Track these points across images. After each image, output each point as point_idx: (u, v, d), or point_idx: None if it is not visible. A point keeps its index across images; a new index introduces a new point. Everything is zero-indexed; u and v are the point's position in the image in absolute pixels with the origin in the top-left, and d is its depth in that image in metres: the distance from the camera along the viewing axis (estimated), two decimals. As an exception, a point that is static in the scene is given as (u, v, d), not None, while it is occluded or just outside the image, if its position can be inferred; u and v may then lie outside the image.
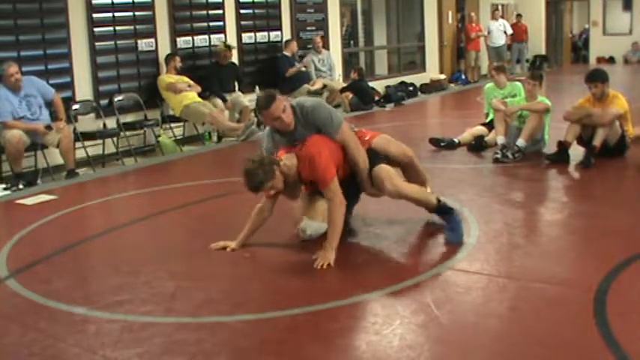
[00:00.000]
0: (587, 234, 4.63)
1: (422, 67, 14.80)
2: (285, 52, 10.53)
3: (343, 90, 10.98)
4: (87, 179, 7.08)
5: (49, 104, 7.15)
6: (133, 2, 8.53)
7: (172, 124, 8.94)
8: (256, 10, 10.37)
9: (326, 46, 11.57)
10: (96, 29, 8.11)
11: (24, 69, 7.03)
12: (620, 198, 5.57)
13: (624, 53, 19.29)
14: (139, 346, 3.11)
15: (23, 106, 6.88)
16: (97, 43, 8.13)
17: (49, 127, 6.93)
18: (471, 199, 5.36)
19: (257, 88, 9.97)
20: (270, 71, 10.38)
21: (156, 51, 8.84)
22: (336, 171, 4.24)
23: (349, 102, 10.97)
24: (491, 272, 3.90)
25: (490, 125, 7.38)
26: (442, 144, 7.47)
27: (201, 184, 6.58)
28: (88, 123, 8.02)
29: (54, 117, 7.15)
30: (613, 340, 2.96)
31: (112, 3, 8.28)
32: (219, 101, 9.08)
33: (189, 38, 9.32)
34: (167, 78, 8.68)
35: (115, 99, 8.29)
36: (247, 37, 10.24)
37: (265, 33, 10.54)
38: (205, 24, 9.56)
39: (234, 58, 9.91)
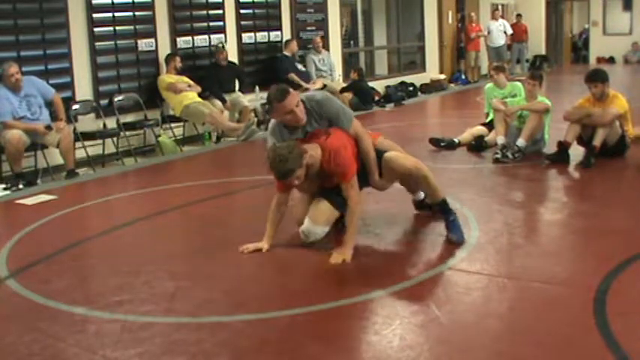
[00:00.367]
0: (587, 234, 4.63)
1: (422, 67, 14.81)
2: (285, 52, 10.53)
3: (343, 90, 10.98)
4: (87, 179, 7.09)
5: (49, 104, 7.14)
6: (133, 2, 8.53)
7: (172, 124, 8.94)
8: (256, 10, 10.37)
9: (326, 46, 11.57)
10: (96, 29, 8.11)
11: (24, 69, 7.03)
12: (620, 198, 5.58)
13: (624, 53, 19.29)
14: (139, 346, 3.11)
15: (23, 106, 6.87)
16: (97, 43, 8.13)
17: (49, 127, 6.93)
18: (471, 199, 5.36)
19: (257, 88, 9.96)
20: (270, 71, 10.38)
21: (156, 51, 8.84)
22: None
23: (349, 102, 10.98)
24: (491, 272, 3.90)
25: (490, 125, 7.38)
26: (442, 144, 7.47)
27: (201, 184, 6.58)
28: (88, 123, 8.02)
29: (54, 117, 7.15)
30: (613, 340, 2.96)
31: (112, 3, 8.28)
32: (218, 102, 9.08)
33: (189, 38, 9.32)
34: (167, 78, 8.68)
35: (115, 99, 8.29)
36: (247, 37, 10.24)
37: (265, 33, 10.54)
38: (205, 24, 9.56)
39: (234, 58, 9.92)
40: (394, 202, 5.09)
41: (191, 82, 8.83)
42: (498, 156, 6.63)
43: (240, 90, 9.58)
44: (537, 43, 18.76)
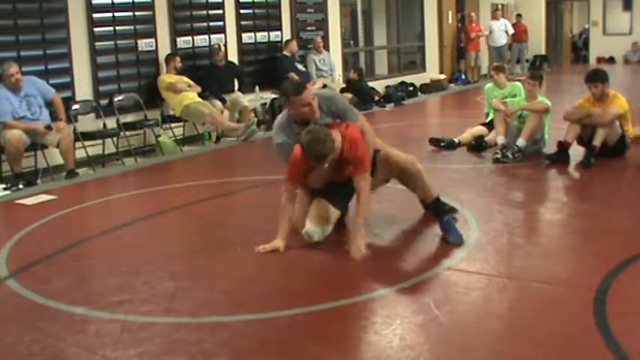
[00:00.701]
0: (587, 234, 4.63)
1: (422, 67, 14.80)
2: (285, 52, 10.53)
3: (343, 90, 10.98)
4: (87, 179, 7.08)
5: (49, 104, 7.14)
6: (133, 2, 8.53)
7: (172, 124, 8.94)
8: (256, 10, 10.37)
9: (326, 46, 11.57)
10: (96, 29, 8.11)
11: (24, 69, 7.03)
12: (620, 198, 5.58)
13: (624, 53, 19.29)
14: (139, 346, 3.11)
15: (23, 106, 6.87)
16: (97, 43, 8.13)
17: (49, 127, 6.93)
18: (471, 199, 5.36)
19: (257, 88, 9.97)
20: (270, 71, 10.38)
21: (156, 51, 8.84)
22: None
23: (349, 102, 10.97)
24: (491, 272, 3.90)
25: (490, 125, 7.38)
26: (442, 144, 7.47)
27: (201, 184, 6.58)
28: (88, 123, 8.02)
29: (54, 117, 7.15)
30: (613, 340, 2.96)
31: (112, 3, 8.28)
32: (217, 102, 9.08)
33: (189, 38, 9.32)
34: (167, 78, 8.68)
35: (115, 99, 8.29)
36: (247, 37, 10.24)
37: (265, 33, 10.53)
38: (205, 24, 9.55)
39: (234, 58, 9.92)
40: (394, 203, 5.09)
41: (191, 82, 8.83)
42: (498, 156, 6.63)
43: (239, 90, 9.58)
44: (537, 43, 18.76)
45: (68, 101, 7.69)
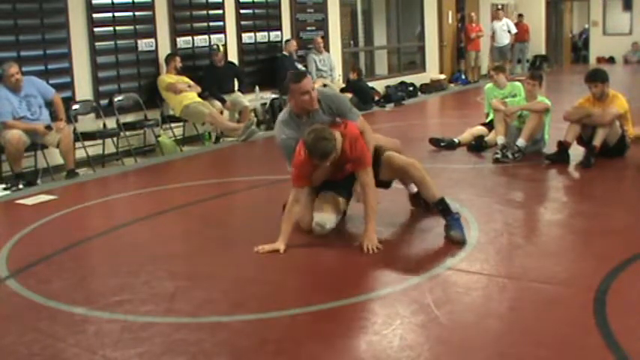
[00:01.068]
0: (587, 234, 4.63)
1: (422, 67, 14.80)
2: (285, 52, 10.53)
3: (343, 90, 10.98)
4: (87, 179, 7.08)
5: (49, 104, 7.14)
6: (133, 2, 8.53)
7: (172, 124, 8.94)
8: (256, 10, 10.37)
9: (326, 46, 11.57)
10: (96, 29, 8.11)
11: (24, 69, 7.02)
12: (620, 198, 5.58)
13: (624, 53, 19.29)
14: (139, 346, 3.11)
15: (23, 106, 6.87)
16: (97, 43, 8.13)
17: (49, 127, 6.93)
18: (471, 199, 5.36)
19: (257, 88, 9.97)
20: (270, 71, 10.38)
21: (156, 51, 8.84)
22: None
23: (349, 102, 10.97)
24: (491, 272, 3.90)
25: (490, 125, 7.38)
26: (442, 144, 7.47)
27: (201, 184, 6.58)
28: (88, 123, 8.02)
29: (54, 117, 7.15)
30: (613, 340, 2.96)
31: (112, 3, 8.28)
32: (217, 102, 9.08)
33: (189, 38, 9.32)
34: (167, 78, 8.68)
35: (115, 99, 8.29)
36: (247, 37, 10.24)
37: (265, 33, 10.53)
38: (205, 24, 9.55)
39: (234, 58, 9.92)
40: (394, 202, 5.09)
41: (191, 83, 8.83)
42: (498, 156, 6.63)
43: (239, 90, 9.58)
44: (537, 43, 18.75)
45: (68, 101, 7.69)
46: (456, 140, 7.48)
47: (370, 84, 12.13)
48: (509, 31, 15.88)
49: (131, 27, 8.52)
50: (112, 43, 8.29)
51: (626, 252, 4.06)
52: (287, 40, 10.65)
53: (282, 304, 3.54)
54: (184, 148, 8.78)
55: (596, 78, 6.52)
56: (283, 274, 4.08)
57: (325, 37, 11.65)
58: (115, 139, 8.15)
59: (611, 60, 19.54)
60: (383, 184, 4.68)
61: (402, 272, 3.96)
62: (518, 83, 7.67)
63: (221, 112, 9.12)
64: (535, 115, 6.70)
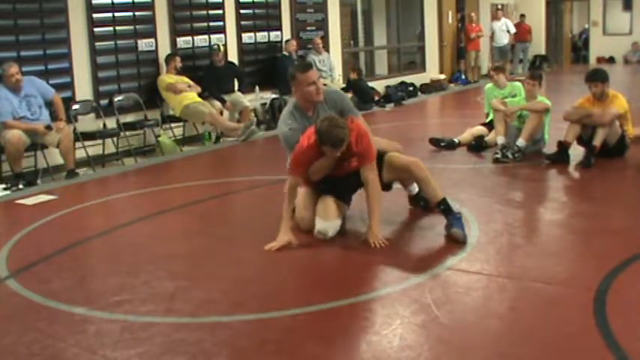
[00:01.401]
0: (587, 234, 4.63)
1: (422, 67, 14.81)
2: (285, 52, 10.53)
3: (343, 90, 10.97)
4: (87, 179, 7.08)
5: (49, 104, 7.15)
6: (133, 2, 8.53)
7: (172, 124, 8.95)
8: (256, 10, 10.37)
9: (326, 46, 11.57)
10: (96, 29, 8.11)
11: (24, 69, 7.03)
12: (620, 198, 5.57)
13: (624, 53, 19.29)
14: (139, 346, 3.11)
15: (23, 106, 6.88)
16: (97, 43, 8.13)
17: (49, 127, 6.93)
18: (471, 199, 5.36)
19: (257, 88, 9.97)
20: (270, 71, 10.38)
21: (156, 51, 8.84)
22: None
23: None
24: (491, 272, 3.90)
25: (490, 125, 7.38)
26: (442, 144, 7.47)
27: (201, 184, 6.58)
28: (88, 123, 8.02)
29: (54, 117, 7.15)
30: (613, 340, 2.96)
31: (112, 3, 8.28)
32: (217, 103, 9.08)
33: (189, 38, 9.32)
34: (167, 78, 8.68)
35: (115, 99, 8.29)
36: (247, 37, 10.24)
37: (265, 33, 10.53)
38: (205, 24, 9.56)
39: (234, 58, 9.92)
40: (394, 202, 5.09)
41: (191, 83, 8.83)
42: (498, 156, 6.63)
43: (239, 90, 9.58)
44: (537, 43, 18.76)
45: (68, 101, 7.69)
46: (456, 140, 7.48)
47: (370, 84, 12.13)
48: (508, 31, 15.90)
49: (131, 27, 8.52)
50: (112, 43, 8.29)
51: (626, 252, 4.06)
52: (287, 40, 10.65)
53: (282, 304, 3.54)
54: (184, 148, 8.78)
55: (597, 78, 6.52)
56: (283, 274, 4.08)
57: (325, 37, 11.65)
58: (115, 139, 8.15)
59: (611, 60, 19.54)
60: (384, 186, 4.69)
61: (402, 272, 3.96)
62: (518, 83, 7.67)
63: (221, 112, 9.12)
64: (535, 115, 6.70)
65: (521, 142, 6.66)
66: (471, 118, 8.86)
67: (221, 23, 9.77)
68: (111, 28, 8.27)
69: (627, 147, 6.64)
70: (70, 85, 7.87)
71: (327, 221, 4.44)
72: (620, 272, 3.74)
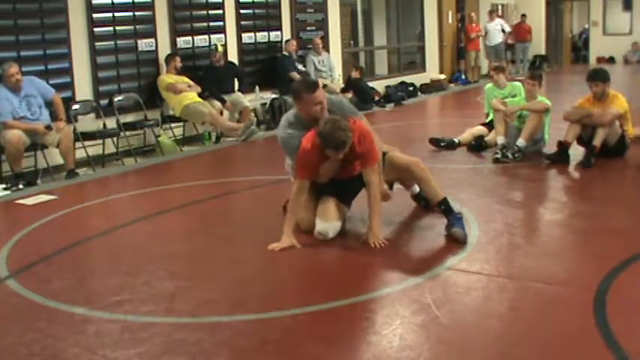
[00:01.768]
0: (587, 234, 4.63)
1: (422, 67, 14.81)
2: (285, 52, 10.53)
3: (343, 90, 10.98)
4: (87, 179, 7.08)
5: (49, 104, 7.15)
6: (133, 2, 8.53)
7: (172, 124, 8.95)
8: (256, 10, 10.37)
9: (326, 46, 11.57)
10: (96, 29, 8.11)
11: (24, 69, 7.03)
12: (620, 198, 5.57)
13: (624, 53, 19.30)
14: (139, 346, 3.11)
15: (23, 106, 6.88)
16: (97, 43, 8.13)
17: (49, 127, 6.93)
18: (471, 199, 5.36)
19: (257, 88, 9.97)
20: (270, 71, 10.38)
21: (156, 51, 8.84)
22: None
23: (349, 101, 10.96)
24: (491, 272, 3.90)
25: (490, 125, 7.38)
26: (442, 144, 7.47)
27: (201, 184, 6.58)
28: (88, 123, 8.02)
29: (54, 117, 7.15)
30: (613, 340, 2.96)
31: (112, 3, 8.28)
32: (217, 103, 9.08)
33: (189, 38, 9.32)
34: (167, 78, 8.68)
35: (115, 99, 8.29)
36: (247, 37, 10.24)
37: (265, 33, 10.54)
38: (205, 24, 9.55)
39: (234, 58, 9.92)
40: (394, 202, 5.09)
41: (191, 83, 8.83)
42: (498, 156, 6.63)
43: (239, 90, 9.58)
44: (537, 43, 18.77)
45: (68, 101, 7.69)
46: (456, 140, 7.48)
47: (370, 84, 12.13)
48: (502, 30, 15.94)
49: (131, 27, 8.52)
50: (112, 43, 8.29)
51: (626, 252, 4.06)
52: (287, 40, 10.65)
53: (282, 304, 3.54)
54: (184, 148, 8.78)
55: (598, 77, 6.52)
56: (283, 274, 4.08)
57: (325, 37, 11.65)
58: (115, 139, 8.15)
59: (611, 60, 19.55)
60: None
61: (402, 272, 3.96)
62: (518, 83, 7.67)
63: (221, 112, 9.12)
64: (535, 115, 6.70)
65: (521, 142, 6.66)
66: (471, 118, 8.86)
67: (221, 23, 9.77)
68: (111, 28, 8.27)
69: (627, 147, 6.64)
70: (70, 85, 7.87)
71: (328, 222, 4.44)
72: (620, 272, 3.74)
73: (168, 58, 8.75)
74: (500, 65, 8.37)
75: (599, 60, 19.63)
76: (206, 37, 9.55)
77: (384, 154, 4.66)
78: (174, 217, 5.45)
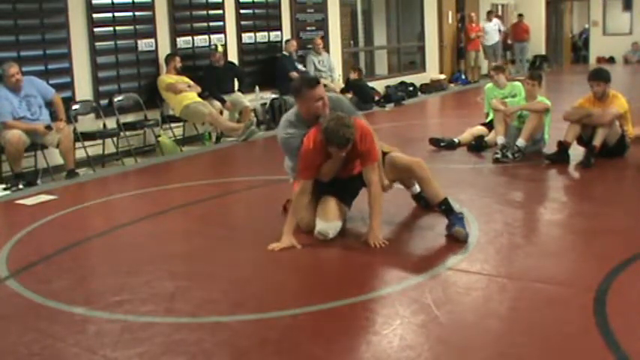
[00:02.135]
0: (587, 234, 4.63)
1: (422, 67, 14.82)
2: (285, 52, 10.53)
3: (343, 90, 10.98)
4: (87, 179, 7.08)
5: (49, 104, 7.15)
6: (133, 2, 8.53)
7: (172, 124, 8.95)
8: (256, 10, 10.37)
9: (326, 46, 11.57)
10: (96, 29, 8.11)
11: (24, 69, 7.03)
12: (620, 198, 5.58)
13: (624, 53, 19.30)
14: (139, 346, 3.11)
15: (23, 106, 6.88)
16: (97, 43, 8.13)
17: (49, 127, 6.94)
18: (471, 199, 5.36)
19: (257, 88, 9.97)
20: (271, 71, 10.38)
21: (156, 51, 8.84)
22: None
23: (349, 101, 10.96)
24: (491, 272, 3.90)
25: (490, 125, 7.39)
26: (442, 144, 7.48)
27: (201, 184, 6.58)
28: (88, 123, 8.03)
29: (54, 117, 7.15)
30: (613, 340, 2.96)
31: (112, 3, 8.28)
32: (217, 103, 9.08)
33: (189, 38, 9.32)
34: (167, 78, 8.68)
35: (115, 99, 8.29)
36: (247, 37, 10.24)
37: (265, 33, 10.54)
38: (205, 24, 9.56)
39: (234, 58, 9.92)
40: (394, 202, 5.09)
41: (191, 83, 8.83)
42: (498, 156, 6.63)
43: (239, 90, 9.58)
44: (537, 43, 18.78)
45: (68, 101, 7.69)
46: (455, 140, 7.49)
47: (370, 84, 12.14)
48: (499, 30, 16.04)
49: (131, 27, 8.52)
50: (112, 43, 8.30)
51: (626, 252, 4.06)
52: (287, 40, 10.66)
53: (282, 304, 3.54)
54: (184, 148, 8.78)
55: (599, 77, 6.53)
56: (283, 274, 4.08)
57: (325, 38, 11.65)
58: (115, 139, 8.15)
59: (611, 60, 19.55)
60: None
61: (402, 272, 3.96)
62: (518, 83, 7.67)
63: (221, 112, 9.12)
64: (535, 115, 6.70)
65: (521, 142, 6.66)
66: (470, 118, 8.86)
67: (221, 23, 9.78)
68: (111, 28, 8.27)
69: (627, 147, 6.64)
70: (70, 85, 7.87)
71: (328, 222, 4.44)
72: (620, 272, 3.74)
73: (168, 58, 8.76)
74: (500, 65, 8.37)
75: (599, 60, 19.63)
76: (206, 37, 9.56)
77: (384, 153, 4.66)
78: (174, 217, 5.45)
